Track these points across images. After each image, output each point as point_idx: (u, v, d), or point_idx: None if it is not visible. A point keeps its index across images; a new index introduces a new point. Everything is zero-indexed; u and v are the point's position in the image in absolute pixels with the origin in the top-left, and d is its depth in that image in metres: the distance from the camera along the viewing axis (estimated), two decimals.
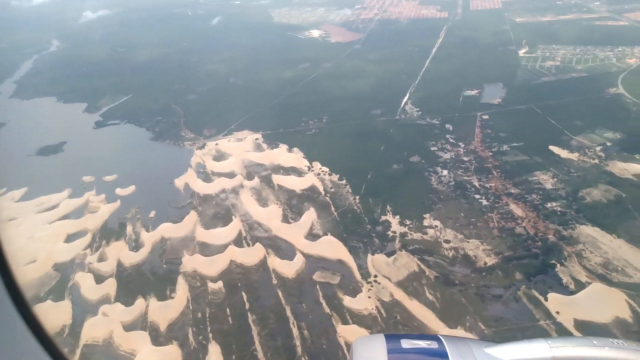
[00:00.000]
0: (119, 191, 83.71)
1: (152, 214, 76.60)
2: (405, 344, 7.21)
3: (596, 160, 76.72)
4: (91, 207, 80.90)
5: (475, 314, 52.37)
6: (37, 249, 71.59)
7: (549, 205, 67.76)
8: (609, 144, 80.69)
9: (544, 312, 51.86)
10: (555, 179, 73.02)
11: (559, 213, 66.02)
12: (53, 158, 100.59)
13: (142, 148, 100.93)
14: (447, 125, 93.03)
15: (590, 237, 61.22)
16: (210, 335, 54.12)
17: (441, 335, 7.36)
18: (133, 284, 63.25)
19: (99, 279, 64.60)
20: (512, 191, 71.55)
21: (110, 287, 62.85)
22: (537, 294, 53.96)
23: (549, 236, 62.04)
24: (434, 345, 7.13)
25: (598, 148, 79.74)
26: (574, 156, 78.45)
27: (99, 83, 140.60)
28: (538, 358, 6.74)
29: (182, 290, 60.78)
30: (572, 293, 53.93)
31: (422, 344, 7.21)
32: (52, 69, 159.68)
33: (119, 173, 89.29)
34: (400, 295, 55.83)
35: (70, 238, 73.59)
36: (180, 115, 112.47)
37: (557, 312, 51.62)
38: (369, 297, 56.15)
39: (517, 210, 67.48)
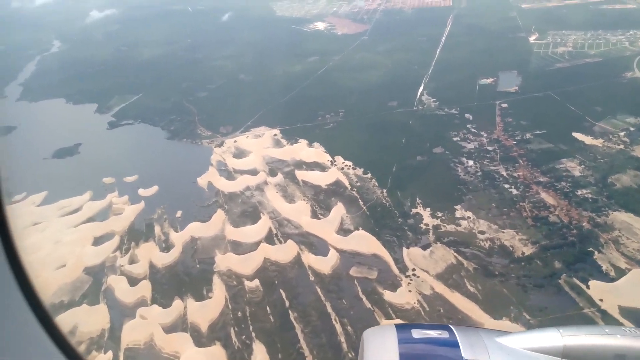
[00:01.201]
0: (141, 192, 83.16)
1: (179, 213, 76.15)
2: (416, 334, 7.17)
3: (621, 146, 76.63)
4: (115, 209, 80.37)
5: (519, 304, 52.37)
6: (65, 253, 71.18)
7: (579, 192, 67.68)
8: (632, 129, 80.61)
9: (588, 300, 51.89)
10: (583, 166, 72.88)
11: (590, 200, 65.94)
12: (70, 160, 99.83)
13: (160, 147, 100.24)
14: (467, 115, 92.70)
15: (625, 224, 61.20)
16: (253, 334, 53.98)
17: (452, 325, 7.33)
18: (168, 285, 62.98)
19: (133, 281, 64.28)
20: (541, 179, 71.41)
21: (145, 289, 62.56)
22: (578, 282, 53.97)
23: (584, 224, 62.00)
24: (444, 335, 7.09)
25: (622, 133, 79.62)
26: (599, 142, 78.31)
27: (106, 83, 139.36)
28: (550, 346, 6.68)
29: (219, 290, 60.56)
30: (612, 280, 53.96)
31: (432, 333, 7.17)
32: (57, 70, 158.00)
33: (139, 174, 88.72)
34: (441, 288, 55.76)
35: (97, 241, 73.14)
36: (194, 114, 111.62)
37: (601, 300, 51.64)
38: (410, 291, 56.07)
39: (548, 198, 67.36)
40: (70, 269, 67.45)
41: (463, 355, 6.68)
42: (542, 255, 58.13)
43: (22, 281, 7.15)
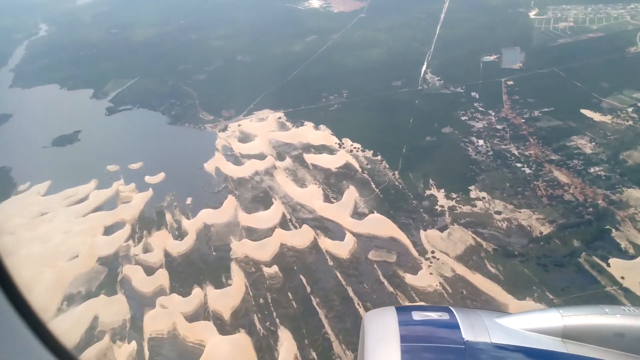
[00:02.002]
0: (148, 179, 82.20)
1: (189, 200, 75.49)
2: (417, 315, 7.20)
3: (630, 122, 76.75)
4: (123, 197, 79.44)
5: (541, 284, 52.81)
6: (77, 243, 70.47)
7: (592, 170, 67.88)
8: (639, 104, 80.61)
9: (609, 278, 52.42)
10: (594, 143, 72.98)
11: (603, 177, 66.21)
12: (70, 148, 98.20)
13: (162, 133, 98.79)
14: (473, 93, 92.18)
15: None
16: (277, 320, 54.07)
17: (452, 306, 7.35)
18: (185, 273, 62.68)
19: (149, 270, 63.90)
20: (553, 158, 71.48)
21: (162, 278, 62.22)
22: (598, 260, 54.45)
23: (599, 201, 62.32)
24: (445, 316, 7.10)
25: (630, 109, 79.68)
26: (607, 119, 78.33)
27: (100, 67, 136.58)
28: (550, 327, 6.73)
29: (238, 277, 60.37)
30: (632, 257, 54.48)
31: (433, 315, 7.20)
32: (47, 55, 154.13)
33: (144, 160, 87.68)
34: (462, 270, 56.02)
35: (108, 230, 72.46)
36: (194, 97, 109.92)
37: (622, 278, 52.19)
38: (431, 274, 56.27)
39: (561, 177, 67.55)
40: (84, 259, 66.84)
41: (464, 336, 6.68)
42: (560, 234, 58.46)
43: (4, 283, 6.87)
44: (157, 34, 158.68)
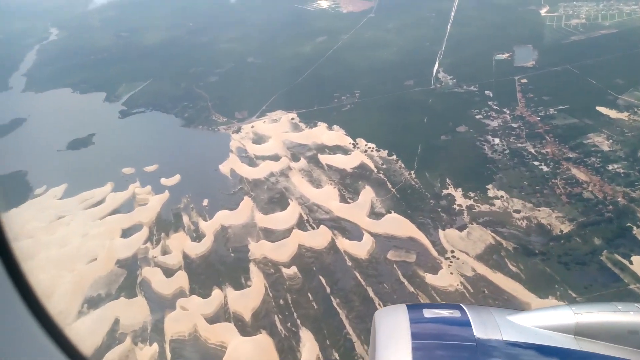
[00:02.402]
0: (164, 181, 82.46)
1: (206, 202, 75.66)
2: (428, 313, 7.22)
3: None
4: (139, 199, 79.74)
5: (564, 282, 52.52)
6: (95, 246, 70.80)
7: (610, 167, 67.48)
8: None
9: (632, 276, 52.07)
10: (611, 141, 72.55)
11: (622, 175, 65.80)
12: (85, 152, 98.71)
13: (176, 135, 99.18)
14: (487, 92, 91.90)
15: None
16: (299, 321, 54.07)
17: (463, 304, 7.34)
18: (205, 275, 62.82)
19: (168, 272, 64.09)
20: (570, 155, 71.10)
21: (181, 280, 62.39)
22: (620, 258, 54.09)
23: (619, 199, 61.93)
24: (456, 314, 7.09)
25: None
26: (624, 116, 77.86)
27: (111, 71, 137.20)
28: (562, 324, 6.68)
29: (257, 278, 60.45)
30: None
31: (444, 313, 7.21)
32: (58, 59, 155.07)
33: (159, 163, 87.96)
34: (482, 269, 55.82)
35: (126, 233, 72.75)
36: (206, 99, 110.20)
37: None
38: (451, 273, 56.11)
39: (579, 174, 67.17)
40: (103, 262, 67.15)
41: (475, 334, 6.65)
42: (580, 232, 58.15)
43: (20, 284, 6.92)
44: (167, 37, 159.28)
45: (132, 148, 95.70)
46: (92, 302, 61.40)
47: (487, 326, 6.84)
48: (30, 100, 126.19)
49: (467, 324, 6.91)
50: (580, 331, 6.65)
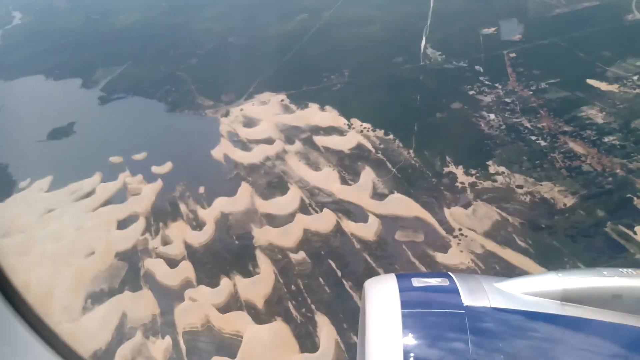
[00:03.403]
0: (155, 169, 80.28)
1: (202, 189, 74.00)
2: (416, 282, 7.22)
3: (638, 90, 77.32)
4: (131, 189, 77.52)
5: (572, 255, 53.48)
6: (91, 239, 68.84)
7: (606, 139, 68.42)
8: None
9: (638, 246, 53.28)
10: (604, 113, 73.49)
11: (618, 147, 66.87)
12: (67, 141, 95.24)
13: (162, 121, 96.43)
14: (477, 67, 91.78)
15: None
16: (313, 306, 53.77)
17: (451, 272, 7.36)
18: (210, 264, 61.72)
19: (171, 263, 62.78)
20: (566, 129, 71.83)
21: (187, 270, 61.21)
22: (624, 229, 55.20)
23: (617, 171, 62.99)
24: (444, 282, 7.12)
25: (635, 77, 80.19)
26: (614, 88, 78.85)
27: (85, 55, 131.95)
28: (549, 290, 6.78)
29: (265, 265, 59.71)
30: None
31: (432, 281, 7.23)
32: (26, 45, 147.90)
33: (147, 150, 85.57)
34: (491, 246, 56.33)
35: (122, 224, 70.77)
36: (189, 82, 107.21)
37: None
38: (461, 251, 56.48)
39: (577, 148, 68.02)
40: (102, 256, 65.35)
41: (463, 301, 6.71)
42: (583, 205, 59.09)
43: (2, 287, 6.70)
44: (141, 19, 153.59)
45: (117, 136, 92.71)
46: (96, 298, 59.80)
47: (475, 293, 6.84)
48: (1, 89, 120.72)
49: (456, 291, 6.89)
50: (566, 297, 6.72)
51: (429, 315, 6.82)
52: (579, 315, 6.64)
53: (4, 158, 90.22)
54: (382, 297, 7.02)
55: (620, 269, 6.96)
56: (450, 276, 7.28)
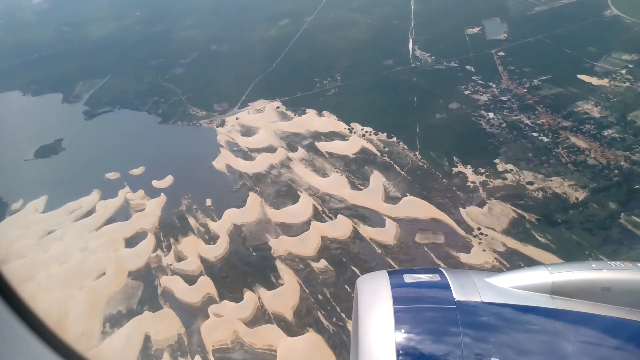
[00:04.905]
0: (156, 183, 78.58)
1: (209, 201, 72.83)
2: (408, 278, 7.51)
3: (627, 84, 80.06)
4: (134, 205, 75.64)
5: (592, 248, 54.88)
6: (100, 259, 66.75)
7: (605, 133, 70.58)
8: (630, 66, 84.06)
9: None
10: (600, 107, 75.77)
11: (619, 139, 69.04)
12: (56, 159, 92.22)
13: (155, 134, 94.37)
14: (468, 67, 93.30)
15: None
16: (343, 315, 53.47)
17: (442, 267, 7.84)
18: (230, 278, 60.73)
19: (189, 279, 61.47)
20: (565, 124, 73.74)
21: (206, 285, 60.03)
22: (638, 220, 57.06)
23: (622, 163, 65.05)
24: (436, 278, 7.45)
25: (623, 71, 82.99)
26: (605, 82, 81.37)
27: (62, 69, 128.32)
28: (538, 283, 7.14)
29: (288, 275, 59.12)
30: None
31: (424, 277, 7.52)
32: None
33: (144, 164, 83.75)
34: (512, 243, 57.27)
35: (130, 242, 68.95)
36: (177, 93, 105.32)
37: None
38: (484, 250, 57.22)
39: (579, 142, 69.90)
40: (114, 276, 63.43)
41: (455, 296, 6.94)
42: (595, 198, 60.73)
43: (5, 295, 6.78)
44: (115, 29, 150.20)
45: (109, 151, 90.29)
46: (114, 320, 57.94)
47: (466, 289, 7.05)
48: None
49: (447, 287, 7.09)
50: (556, 290, 6.94)
51: (421, 310, 6.98)
52: (569, 308, 6.87)
53: None
54: (374, 293, 7.17)
55: (609, 262, 7.25)
56: (441, 272, 7.51)
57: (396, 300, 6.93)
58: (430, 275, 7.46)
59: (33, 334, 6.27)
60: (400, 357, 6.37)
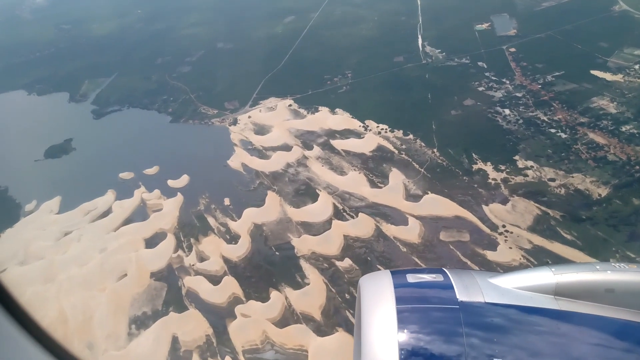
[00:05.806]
0: (172, 183, 78.06)
1: (227, 201, 72.43)
2: (411, 278, 7.51)
3: None
4: (151, 205, 75.10)
5: (619, 244, 55.11)
6: (120, 261, 66.20)
7: (623, 129, 70.88)
8: None
9: None
10: (615, 103, 76.07)
11: (637, 135, 69.39)
12: (68, 159, 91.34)
13: (167, 133, 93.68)
14: (480, 63, 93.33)
15: None
16: None
17: (445, 268, 7.72)
18: (255, 277, 60.46)
19: (213, 280, 61.15)
20: (582, 120, 73.98)
21: (231, 286, 59.73)
22: None
23: None
24: (439, 278, 7.44)
25: (637, 67, 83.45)
26: (619, 77, 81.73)
27: (66, 67, 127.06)
28: (542, 284, 7.14)
29: (313, 275, 58.95)
30: None
31: (427, 277, 7.52)
32: None
33: (159, 164, 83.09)
34: (538, 240, 57.40)
35: (150, 243, 68.46)
36: (186, 91, 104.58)
37: None
38: (510, 248, 57.31)
39: (597, 138, 70.14)
40: (136, 277, 62.99)
41: (458, 296, 6.93)
42: (617, 194, 61.00)
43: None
44: (117, 27, 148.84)
45: (121, 151, 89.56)
46: (140, 322, 57.57)
47: (470, 289, 7.03)
48: None
49: (450, 287, 7.06)
50: (559, 291, 6.92)
51: (424, 310, 6.95)
52: (573, 309, 6.83)
53: (3, 181, 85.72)
54: (377, 293, 7.15)
55: (613, 264, 7.20)
56: (444, 272, 7.46)
57: (399, 300, 6.91)
58: (434, 276, 7.42)
59: (29, 338, 6.18)
60: (402, 357, 6.32)
